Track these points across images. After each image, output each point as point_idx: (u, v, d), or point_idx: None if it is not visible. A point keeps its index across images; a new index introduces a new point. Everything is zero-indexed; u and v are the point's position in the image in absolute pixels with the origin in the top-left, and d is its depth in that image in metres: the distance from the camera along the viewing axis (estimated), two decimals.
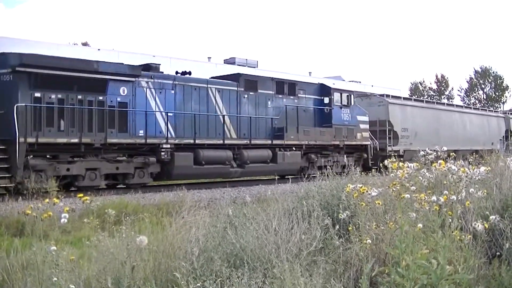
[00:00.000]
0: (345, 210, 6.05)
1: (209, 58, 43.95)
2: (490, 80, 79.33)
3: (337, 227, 5.80)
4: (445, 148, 8.36)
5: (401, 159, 28.68)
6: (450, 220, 5.27)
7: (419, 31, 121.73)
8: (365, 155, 28.80)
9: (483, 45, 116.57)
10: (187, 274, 4.82)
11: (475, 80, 79.71)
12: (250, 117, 23.71)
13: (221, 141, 22.48)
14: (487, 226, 5.45)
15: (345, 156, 27.41)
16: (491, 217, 5.61)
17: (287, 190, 10.02)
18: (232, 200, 10.62)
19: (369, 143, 28.99)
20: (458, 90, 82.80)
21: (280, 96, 25.19)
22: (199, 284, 4.60)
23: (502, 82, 78.92)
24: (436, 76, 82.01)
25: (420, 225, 5.20)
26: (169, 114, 21.07)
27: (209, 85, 22.73)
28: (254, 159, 23.50)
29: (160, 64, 22.29)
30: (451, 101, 63.43)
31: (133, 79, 20.01)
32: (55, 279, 4.81)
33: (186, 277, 4.75)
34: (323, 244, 5.53)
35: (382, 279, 4.92)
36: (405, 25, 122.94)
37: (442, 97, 77.17)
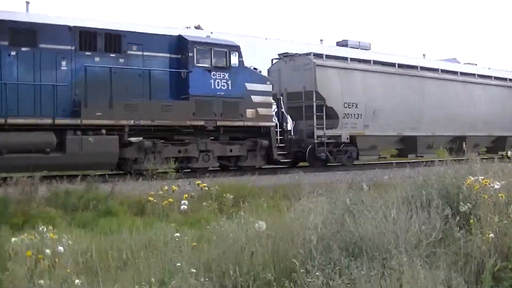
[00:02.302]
0: (465, 201, 5.76)
1: (321, 40, 42.03)
2: None
3: (458, 218, 5.52)
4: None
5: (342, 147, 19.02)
6: None
7: None
8: (266, 142, 19.37)
9: None
10: (305, 262, 4.86)
11: None
12: (18, 84, 15.61)
13: None
14: None
15: (224, 144, 18.52)
16: None
17: (404, 176, 8.98)
18: (348, 185, 9.43)
19: (271, 124, 19.53)
20: None
21: (88, 53, 16.75)
22: (318, 273, 4.59)
23: None
24: None
25: None
26: None
27: None
28: (16, 148, 15.30)
29: None
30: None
31: None
32: (179, 264, 5.09)
33: (305, 264, 4.80)
34: (443, 235, 5.35)
35: (505, 274, 4.95)
36: None
37: None
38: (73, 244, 6.11)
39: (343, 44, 35.12)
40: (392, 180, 8.86)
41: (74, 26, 16.70)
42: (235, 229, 5.56)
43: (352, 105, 21.65)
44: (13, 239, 6.05)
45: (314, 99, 20.88)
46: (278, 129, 19.80)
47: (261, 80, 19.50)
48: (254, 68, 19.92)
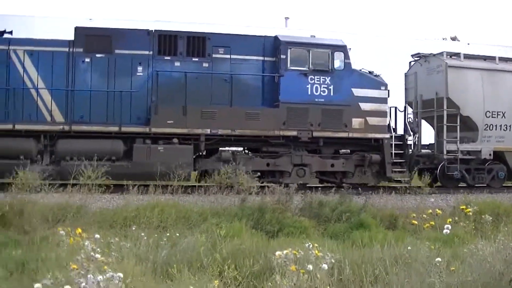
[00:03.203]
0: None
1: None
2: None
3: None
4: None
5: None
6: None
7: None
8: (378, 157, 16.14)
9: None
10: None
11: None
12: (91, 91, 14.93)
13: (10, 126, 14.35)
14: None
15: (325, 158, 15.88)
16: None
17: None
18: None
19: (384, 135, 16.22)
20: None
21: (167, 58, 15.51)
22: None
23: None
24: None
25: None
26: None
27: (12, 47, 14.90)
28: (82, 154, 14.47)
29: None
30: None
31: None
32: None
33: None
34: None
35: None
36: None
37: None
38: (330, 257, 6.18)
39: None
40: None
41: (153, 30, 15.61)
42: (493, 252, 5.42)
43: (498, 114, 17.26)
44: (277, 253, 6.23)
45: (445, 107, 16.99)
46: (400, 142, 16.59)
47: (374, 84, 16.34)
48: (370, 72, 16.88)
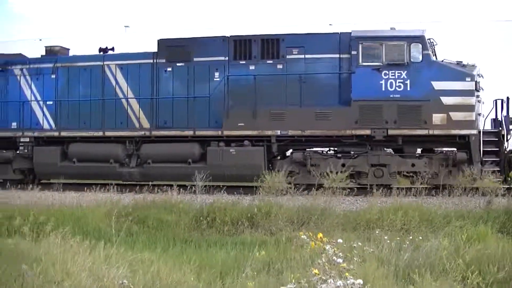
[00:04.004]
0: None
1: None
2: None
3: None
4: None
5: None
6: None
7: None
8: (464, 156, 14.94)
9: None
10: None
11: None
12: (173, 98, 16.17)
13: (101, 133, 16.17)
14: None
15: (405, 158, 15.35)
16: None
17: None
18: None
19: (471, 131, 14.89)
20: None
21: (243, 62, 16.07)
22: None
23: None
24: None
25: None
26: (48, 102, 17.10)
27: (106, 62, 16.86)
28: (162, 157, 15.81)
29: (68, 49, 18.26)
30: None
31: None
32: None
33: None
34: None
35: None
36: None
37: None
38: None
39: None
40: None
41: (228, 36, 16.27)
42: None
43: None
44: None
45: None
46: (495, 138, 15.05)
47: (457, 76, 15.03)
48: (458, 62, 15.60)
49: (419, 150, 16.17)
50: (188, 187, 14.05)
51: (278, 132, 15.44)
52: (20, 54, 18.05)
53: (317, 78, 15.69)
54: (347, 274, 4.88)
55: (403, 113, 15.01)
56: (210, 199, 12.86)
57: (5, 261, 5.99)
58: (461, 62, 15.68)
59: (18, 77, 17.38)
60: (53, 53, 17.53)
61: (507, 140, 16.05)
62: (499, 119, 15.86)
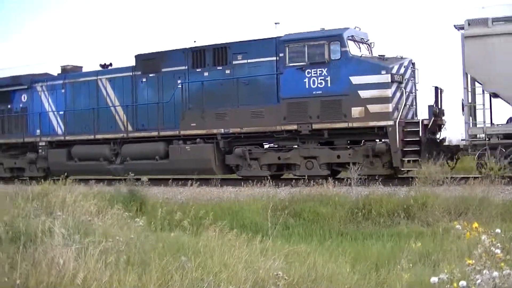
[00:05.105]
0: None
1: None
2: None
3: None
4: None
5: None
6: None
7: None
8: (382, 147, 15.96)
9: None
10: None
11: None
12: (147, 104, 19.20)
13: (92, 136, 19.83)
14: None
15: (332, 150, 16.75)
16: None
17: None
18: None
19: (387, 123, 15.78)
20: None
21: (199, 70, 18.48)
22: None
23: None
24: None
25: None
26: (60, 112, 21.21)
27: (98, 77, 20.46)
28: (137, 155, 18.99)
29: (82, 66, 22.15)
30: None
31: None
32: None
33: None
34: None
35: None
36: None
37: None
38: None
39: None
40: None
41: (187, 48, 18.73)
42: None
43: None
44: None
45: (464, 85, 15.34)
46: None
47: (373, 70, 15.92)
48: (381, 56, 16.49)
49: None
50: (344, 179, 14.67)
51: (222, 131, 17.69)
52: (46, 73, 22.35)
53: (256, 80, 17.49)
54: (502, 264, 4.64)
55: (325, 108, 16.36)
56: (365, 191, 13.04)
57: (167, 253, 6.15)
58: (383, 55, 16.52)
59: (40, 93, 21.74)
60: (65, 71, 21.59)
61: (439, 130, 16.67)
62: (434, 107, 16.49)
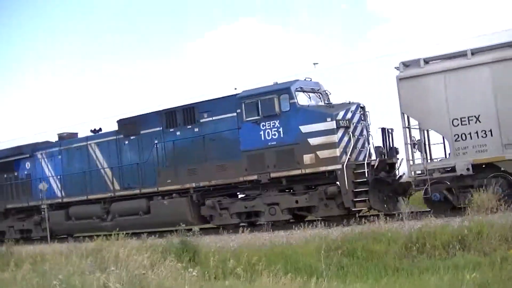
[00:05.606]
0: None
1: None
2: None
3: None
4: None
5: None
6: None
7: None
8: (334, 189, 16.88)
9: None
10: None
11: None
12: (131, 164, 20.87)
13: (85, 197, 21.62)
14: None
15: (291, 195, 17.87)
16: None
17: None
18: None
19: (335, 167, 16.72)
20: None
21: (171, 130, 20.00)
22: None
23: None
24: None
25: None
26: (58, 176, 23.38)
27: (88, 142, 22.40)
28: (124, 212, 20.63)
29: (77, 133, 24.15)
30: None
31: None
32: None
33: None
34: None
35: None
36: None
37: None
38: None
39: None
40: None
41: (161, 110, 20.36)
42: None
43: (470, 120, 15.25)
44: None
45: (402, 124, 16.18)
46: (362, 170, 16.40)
47: (319, 118, 16.92)
48: (328, 103, 17.61)
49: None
50: (396, 215, 14.70)
51: (194, 185, 19.05)
52: (46, 141, 24.53)
53: (220, 135, 18.75)
54: None
55: (280, 157, 17.46)
56: (418, 225, 12.86)
57: None
58: (330, 103, 17.58)
59: (40, 160, 23.88)
60: (62, 139, 23.70)
61: (392, 169, 17.47)
62: (381, 148, 17.37)
